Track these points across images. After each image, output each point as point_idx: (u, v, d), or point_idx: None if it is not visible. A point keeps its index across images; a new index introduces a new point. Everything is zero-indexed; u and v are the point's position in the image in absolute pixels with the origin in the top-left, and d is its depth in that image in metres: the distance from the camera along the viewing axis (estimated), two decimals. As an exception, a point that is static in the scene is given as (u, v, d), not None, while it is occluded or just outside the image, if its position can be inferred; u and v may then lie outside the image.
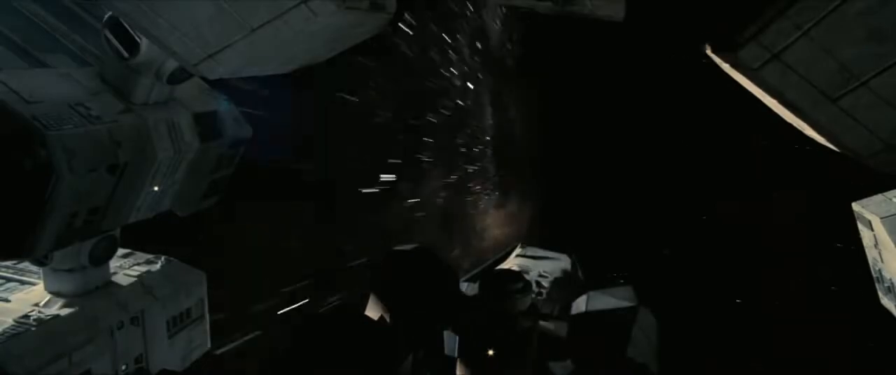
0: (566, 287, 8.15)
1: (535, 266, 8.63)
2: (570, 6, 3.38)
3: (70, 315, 4.87)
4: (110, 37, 4.55)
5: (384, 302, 7.06)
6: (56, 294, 5.12)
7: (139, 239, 6.04)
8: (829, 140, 3.17)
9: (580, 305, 7.40)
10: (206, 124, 5.34)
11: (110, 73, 4.73)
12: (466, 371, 6.51)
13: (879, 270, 5.37)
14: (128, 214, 4.95)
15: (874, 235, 5.18)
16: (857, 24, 2.72)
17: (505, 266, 8.76)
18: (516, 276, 6.82)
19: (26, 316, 4.72)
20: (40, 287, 5.21)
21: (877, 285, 5.58)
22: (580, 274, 8.77)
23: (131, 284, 5.52)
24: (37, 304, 4.99)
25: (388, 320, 6.86)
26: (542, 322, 7.12)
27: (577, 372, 6.99)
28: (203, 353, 6.39)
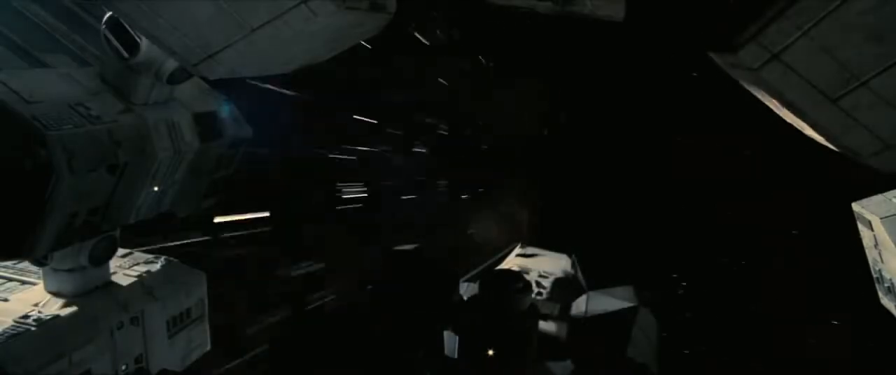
0: (566, 287, 8.15)
1: (535, 266, 8.63)
2: (570, 6, 3.38)
3: (70, 315, 4.87)
4: (110, 37, 4.55)
5: (384, 302, 7.05)
6: (56, 294, 5.11)
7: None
8: (829, 140, 3.17)
9: (580, 305, 7.40)
10: (206, 124, 5.34)
11: (110, 73, 4.73)
12: None
13: (879, 270, 5.37)
14: (128, 214, 4.95)
15: (874, 235, 5.18)
16: (857, 24, 2.72)
17: (505, 266, 8.76)
18: (516, 276, 6.82)
19: (26, 316, 4.71)
20: (40, 287, 5.21)
21: (877, 285, 5.58)
22: (580, 274, 8.77)
23: (131, 284, 5.52)
24: (36, 304, 4.99)
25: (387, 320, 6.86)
26: (542, 322, 7.12)
27: (577, 372, 6.99)
28: (203, 353, 6.39)
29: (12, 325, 4.56)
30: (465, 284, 7.95)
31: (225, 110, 5.63)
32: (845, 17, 2.71)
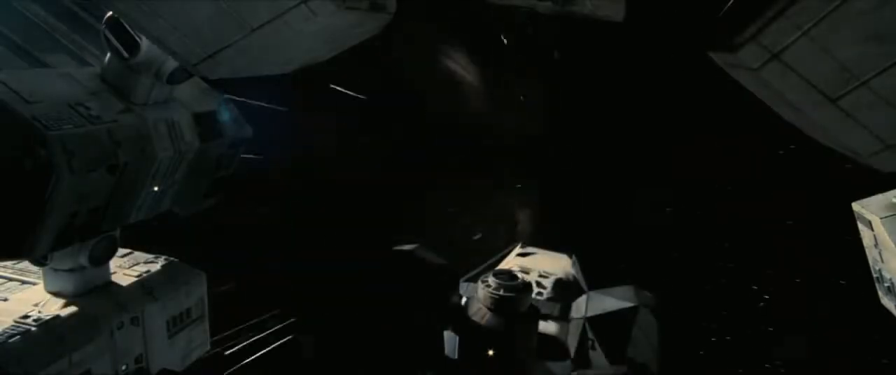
0: (566, 287, 8.16)
1: (535, 266, 8.63)
2: (570, 6, 3.38)
3: (70, 315, 4.86)
4: (110, 37, 4.55)
5: (385, 302, 7.05)
6: (56, 294, 5.12)
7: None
8: (829, 140, 3.17)
9: (580, 305, 7.41)
10: (206, 124, 5.34)
11: (110, 73, 4.73)
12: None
13: (879, 270, 5.37)
14: (128, 214, 4.95)
15: (874, 235, 5.18)
16: (857, 24, 2.71)
17: (505, 266, 8.77)
18: (516, 277, 6.83)
19: (26, 316, 4.71)
20: (40, 287, 5.21)
21: (877, 285, 5.58)
22: (580, 274, 8.78)
23: (131, 284, 5.52)
24: (36, 304, 4.99)
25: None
26: (542, 322, 7.12)
27: (577, 372, 6.99)
28: (203, 353, 6.39)
29: (12, 325, 4.56)
30: (465, 284, 7.95)
31: (225, 110, 5.63)
32: (845, 17, 2.71)
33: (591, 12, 3.39)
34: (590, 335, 7.07)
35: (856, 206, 5.37)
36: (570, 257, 9.07)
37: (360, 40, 3.92)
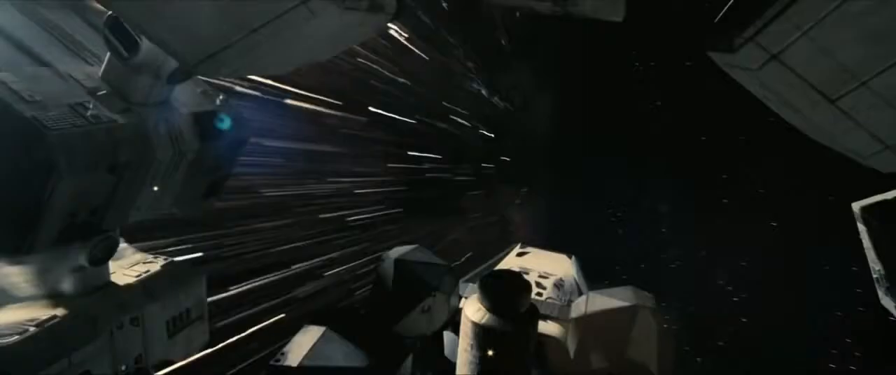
0: (566, 287, 8.16)
1: (535, 266, 8.63)
2: (569, 6, 3.38)
3: (69, 315, 4.86)
4: (110, 37, 4.55)
5: (383, 302, 7.05)
6: (56, 294, 5.11)
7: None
8: (828, 140, 3.17)
9: (580, 306, 7.41)
10: (206, 124, 5.34)
11: (110, 73, 4.73)
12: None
13: (879, 270, 5.35)
14: (128, 214, 4.95)
15: (874, 236, 5.16)
16: (857, 24, 2.71)
17: (504, 266, 8.76)
18: (516, 276, 6.82)
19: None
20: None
21: (877, 285, 5.57)
22: (580, 274, 8.77)
23: (130, 284, 5.51)
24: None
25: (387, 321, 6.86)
26: (542, 322, 7.12)
27: (576, 373, 6.99)
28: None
29: (11, 326, 4.56)
30: (465, 284, 7.95)
31: (225, 110, 5.63)
32: (845, 17, 2.70)
33: (591, 12, 3.39)
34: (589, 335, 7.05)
35: (856, 206, 5.36)
36: (570, 257, 9.07)
37: (360, 40, 3.93)
